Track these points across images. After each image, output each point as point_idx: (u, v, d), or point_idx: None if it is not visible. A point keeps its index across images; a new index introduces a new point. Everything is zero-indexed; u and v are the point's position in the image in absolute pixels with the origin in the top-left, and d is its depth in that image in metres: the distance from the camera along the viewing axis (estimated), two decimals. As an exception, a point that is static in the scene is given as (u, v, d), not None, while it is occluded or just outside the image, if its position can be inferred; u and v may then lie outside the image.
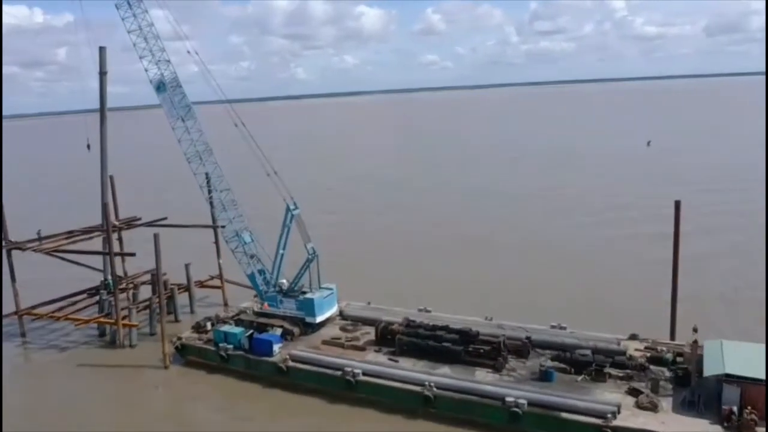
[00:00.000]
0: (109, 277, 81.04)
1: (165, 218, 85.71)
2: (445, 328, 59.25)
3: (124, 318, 71.57)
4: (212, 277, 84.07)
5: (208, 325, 67.40)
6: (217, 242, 79.66)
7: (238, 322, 66.71)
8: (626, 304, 74.98)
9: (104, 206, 68.74)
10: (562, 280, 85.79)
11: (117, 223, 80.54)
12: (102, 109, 76.04)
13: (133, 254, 75.27)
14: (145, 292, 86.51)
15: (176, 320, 78.77)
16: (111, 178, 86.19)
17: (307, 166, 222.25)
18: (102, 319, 73.37)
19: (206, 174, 70.85)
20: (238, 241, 67.54)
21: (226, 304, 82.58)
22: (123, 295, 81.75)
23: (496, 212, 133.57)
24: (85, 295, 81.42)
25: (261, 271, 68.22)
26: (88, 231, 79.10)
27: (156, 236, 64.28)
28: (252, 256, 68.15)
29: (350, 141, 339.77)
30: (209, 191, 68.31)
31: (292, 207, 64.71)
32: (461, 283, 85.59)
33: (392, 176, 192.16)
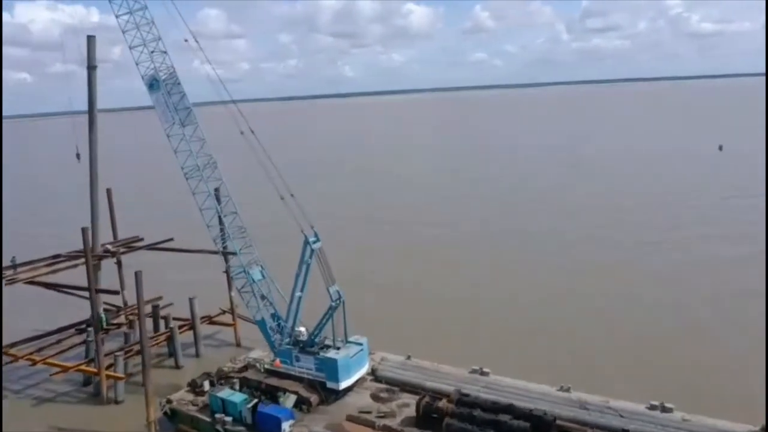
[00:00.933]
0: (101, 311, 68.52)
1: (171, 239, 72.61)
2: (510, 410, 44.12)
3: (109, 367, 58.50)
4: (223, 312, 70.68)
5: (206, 385, 53.61)
6: (228, 271, 66.09)
7: (243, 383, 52.76)
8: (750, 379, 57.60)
9: (84, 232, 55.53)
10: (661, 338, 67.40)
11: (111, 246, 67.61)
12: (91, 112, 63.03)
13: (116, 292, 62.11)
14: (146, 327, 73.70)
15: (177, 366, 65.46)
16: (108, 191, 73.76)
17: (346, 173, 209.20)
18: (84, 367, 60.28)
19: (216, 190, 57.59)
20: (245, 278, 53.70)
21: (238, 345, 69.12)
22: (121, 329, 69.25)
23: (570, 239, 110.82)
24: (73, 331, 69.00)
25: (274, 316, 54.19)
26: (74, 257, 66.23)
27: (138, 275, 50.77)
28: (263, 298, 54.17)
29: (394, 145, 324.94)
30: (219, 216, 54.52)
31: (312, 239, 50.38)
32: (526, 335, 69.21)
33: (439, 189, 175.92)
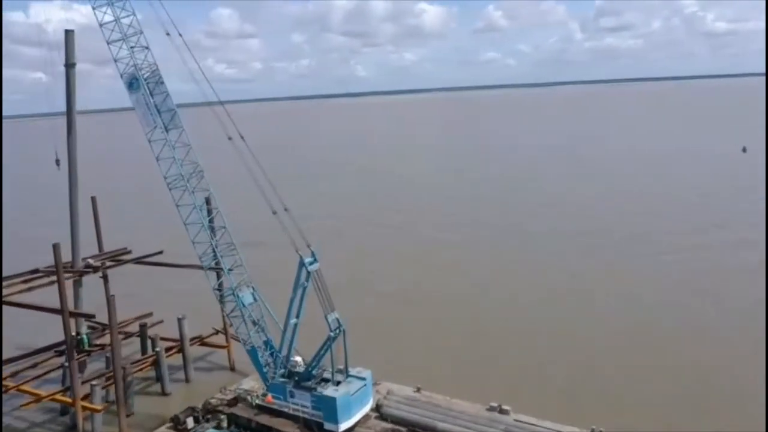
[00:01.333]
0: (84, 330, 62.92)
1: (160, 252, 66.75)
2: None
3: (85, 397, 52.68)
4: (216, 332, 64.79)
5: (190, 422, 47.70)
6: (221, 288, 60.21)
7: (232, 420, 46.90)
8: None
9: (55, 248, 49.59)
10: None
11: (93, 261, 61.79)
12: (69, 114, 57.17)
13: (92, 315, 56.13)
14: (133, 348, 68.06)
15: (164, 392, 59.50)
16: (93, 200, 68.13)
17: (351, 173, 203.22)
18: (59, 397, 54.45)
19: (206, 199, 51.77)
20: (235, 302, 47.75)
21: (232, 369, 63.19)
22: (105, 350, 63.47)
23: (592, 254, 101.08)
24: (53, 353, 63.25)
25: (267, 344, 48.24)
26: (52, 272, 60.36)
27: (111, 300, 44.98)
28: (255, 323, 48.21)
29: (401, 145, 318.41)
30: (211, 230, 48.62)
31: (308, 260, 44.33)
32: (546, 364, 62.01)
33: (444, 190, 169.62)
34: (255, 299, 48.17)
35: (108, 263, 65.96)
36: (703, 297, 77.01)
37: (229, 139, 46.68)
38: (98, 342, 63.97)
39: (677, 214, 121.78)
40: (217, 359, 65.19)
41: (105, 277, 68.86)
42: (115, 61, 49.08)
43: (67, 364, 58.13)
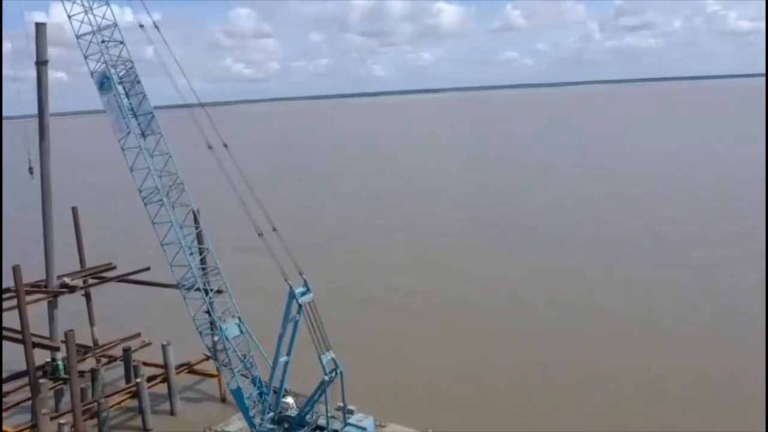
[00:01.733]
0: (59, 357, 56.87)
1: (147, 269, 60.67)
2: None
3: (53, 437, 46.67)
4: (207, 357, 58.56)
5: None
6: (210, 311, 54.02)
7: (213, 471, 40.73)
8: None
9: (16, 271, 43.52)
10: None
11: (70, 280, 55.80)
12: (42, 117, 51.17)
13: (56, 348, 50.12)
14: (115, 374, 62.06)
15: (145, 428, 53.17)
16: (74, 210, 62.32)
17: (362, 174, 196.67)
18: (25, 433, 48.56)
19: (194, 213, 45.67)
20: (218, 335, 41.52)
21: (223, 400, 56.82)
22: (84, 377, 57.55)
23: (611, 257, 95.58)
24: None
25: (255, 382, 41.95)
26: (26, 291, 54.49)
27: (70, 336, 38.79)
28: (242, 359, 41.91)
29: (415, 145, 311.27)
30: (201, 255, 42.60)
31: (299, 290, 37.95)
32: (575, 407, 54.70)
33: (456, 192, 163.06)
34: (241, 331, 41.91)
35: (90, 281, 60.46)
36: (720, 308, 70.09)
37: (209, 147, 40.42)
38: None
39: (702, 221, 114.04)
40: (207, 388, 58.91)
41: (87, 296, 63.47)
42: (86, 57, 43.03)
43: (43, 394, 52.35)
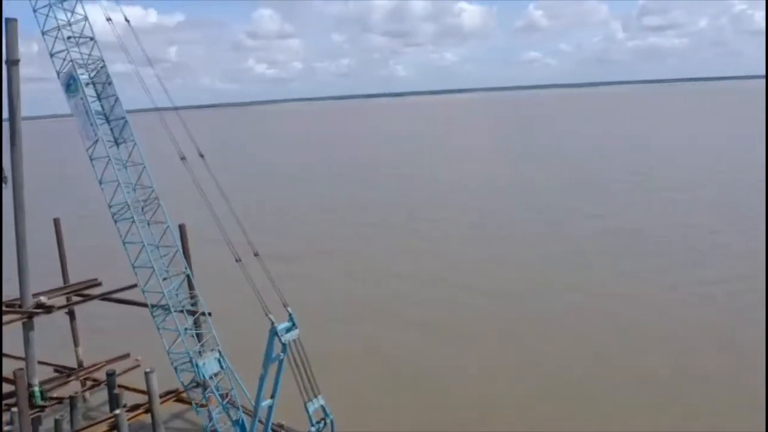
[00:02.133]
0: (35, 382, 52.23)
1: (133, 286, 55.72)
2: None
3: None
4: (197, 384, 53.55)
5: None
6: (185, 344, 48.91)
7: None
8: None
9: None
10: None
11: (46, 299, 51.14)
12: (13, 121, 46.43)
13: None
14: (98, 398, 57.43)
15: (127, 464, 48.52)
16: (56, 222, 57.75)
17: (379, 175, 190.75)
18: (-11, 473, 43.96)
19: (180, 228, 40.96)
20: (193, 372, 36.55)
21: (214, 432, 51.90)
22: (64, 403, 52.93)
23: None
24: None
25: (237, 426, 36.87)
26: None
27: (17, 376, 33.93)
28: (225, 396, 36.91)
29: (435, 145, 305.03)
30: (190, 290, 37.89)
31: (282, 326, 32.81)
32: None
33: (489, 204, 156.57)
34: (222, 367, 36.89)
35: (74, 298, 55.83)
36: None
37: (182, 159, 35.39)
38: (56, 395, 53.43)
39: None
40: (196, 418, 53.92)
41: (71, 314, 58.90)
42: (51, 56, 38.34)
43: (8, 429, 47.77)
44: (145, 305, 53.00)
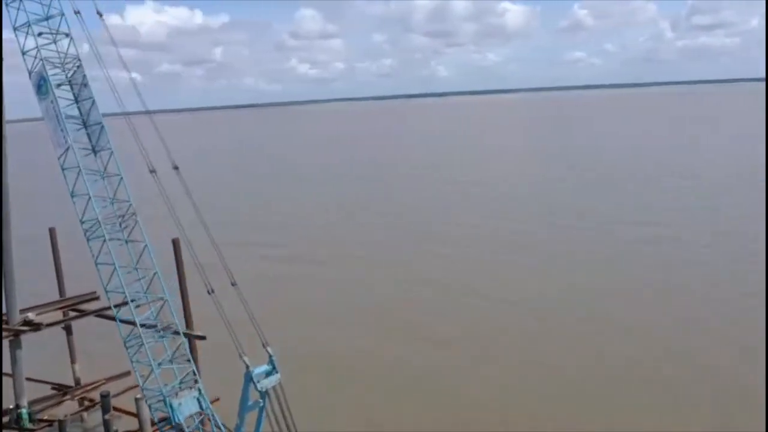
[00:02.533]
0: (23, 403, 48.84)
1: (132, 301, 52.00)
2: None
3: None
4: (171, 426, 49.46)
5: None
6: (193, 353, 44.71)
7: None
8: None
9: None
10: None
11: (34, 315, 47.64)
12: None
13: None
14: (96, 419, 53.81)
15: (114, 498, 44.66)
16: (52, 232, 54.38)
17: (413, 176, 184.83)
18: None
19: (174, 243, 37.09)
20: (168, 412, 32.30)
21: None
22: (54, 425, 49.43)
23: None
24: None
25: (220, 473, 32.50)
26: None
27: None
28: (203, 439, 32.59)
29: (474, 146, 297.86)
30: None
31: (259, 370, 28.35)
32: None
33: (531, 210, 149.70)
34: (201, 407, 32.56)
35: (71, 313, 52.33)
36: None
37: (152, 172, 31.16)
38: (46, 417, 49.93)
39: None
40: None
41: (68, 329, 55.57)
42: (23, 54, 34.57)
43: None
44: (144, 325, 49.42)
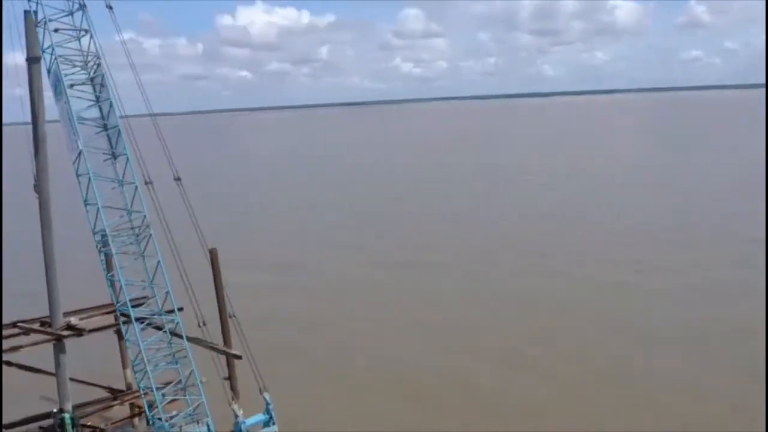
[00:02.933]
0: (67, 407, 47.80)
1: (180, 309, 49.96)
2: None
3: None
4: None
5: None
6: (230, 370, 41.78)
7: None
8: None
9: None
10: None
11: (77, 320, 46.41)
12: (35, 126, 41.53)
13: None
14: (143, 426, 52.24)
15: None
16: (104, 233, 53.15)
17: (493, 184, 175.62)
18: None
19: (211, 253, 34.53)
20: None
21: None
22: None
23: None
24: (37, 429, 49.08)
25: None
26: (31, 329, 46.03)
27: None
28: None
29: (583, 152, 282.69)
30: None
31: (256, 419, 25.02)
32: None
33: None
34: (209, 439, 29.47)
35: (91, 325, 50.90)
36: None
37: (148, 184, 28.25)
38: (90, 424, 48.76)
39: None
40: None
41: (119, 333, 54.26)
42: (43, 51, 32.71)
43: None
44: (187, 338, 47.22)
